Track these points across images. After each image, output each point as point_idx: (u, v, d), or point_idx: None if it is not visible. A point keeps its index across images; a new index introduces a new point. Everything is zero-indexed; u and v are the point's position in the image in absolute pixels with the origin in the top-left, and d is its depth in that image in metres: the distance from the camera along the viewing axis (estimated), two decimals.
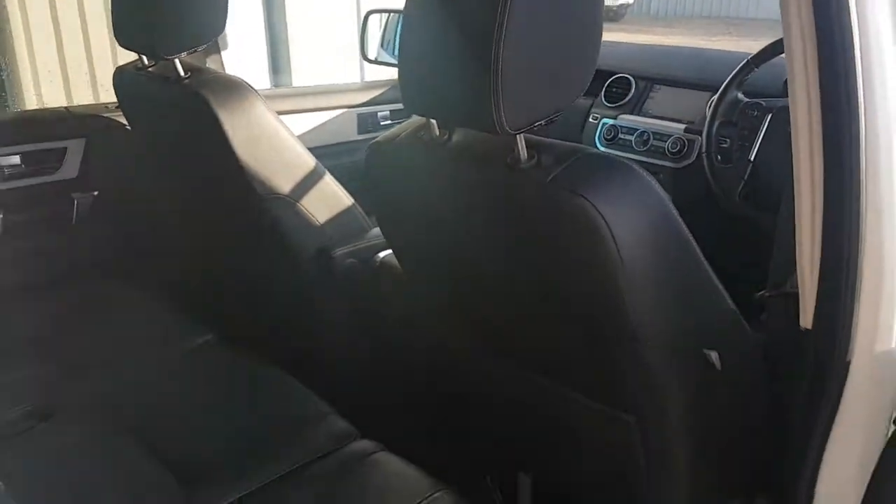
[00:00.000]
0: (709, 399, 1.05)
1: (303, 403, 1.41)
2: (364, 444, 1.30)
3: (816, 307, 0.92)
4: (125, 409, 1.41)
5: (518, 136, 0.92)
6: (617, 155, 1.16)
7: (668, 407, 1.03)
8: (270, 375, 1.50)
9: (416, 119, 1.09)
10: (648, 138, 1.87)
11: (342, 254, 1.62)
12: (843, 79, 0.85)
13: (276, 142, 1.55)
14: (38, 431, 1.36)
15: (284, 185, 1.56)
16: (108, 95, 1.85)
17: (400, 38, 0.99)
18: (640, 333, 0.94)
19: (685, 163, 1.80)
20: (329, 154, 1.80)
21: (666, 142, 1.83)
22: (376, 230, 1.65)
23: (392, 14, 2.50)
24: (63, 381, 1.49)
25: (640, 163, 1.80)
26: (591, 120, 2.01)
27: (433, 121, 1.04)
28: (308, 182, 1.60)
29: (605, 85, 2.00)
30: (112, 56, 2.80)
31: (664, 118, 1.89)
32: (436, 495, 1.17)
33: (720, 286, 1.00)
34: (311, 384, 1.48)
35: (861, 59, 0.84)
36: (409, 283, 1.38)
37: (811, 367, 0.94)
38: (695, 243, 0.96)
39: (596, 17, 0.91)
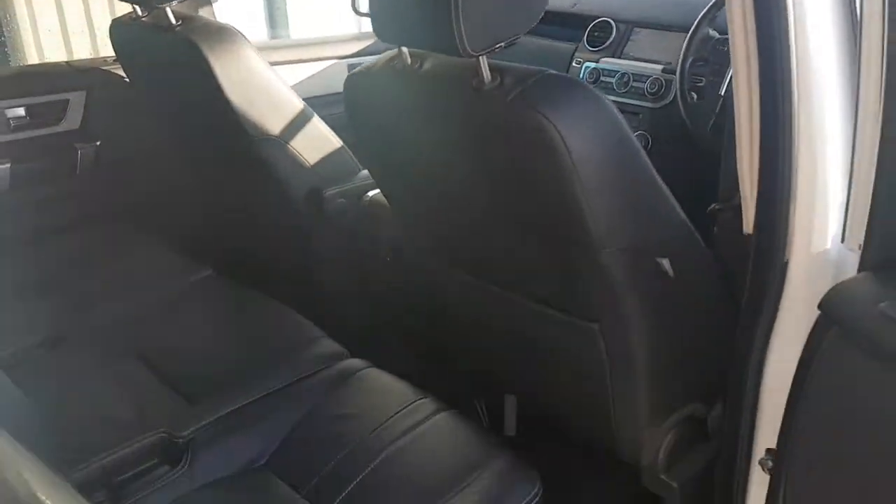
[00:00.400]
0: (664, 306, 1.13)
1: (297, 329, 1.51)
2: (353, 362, 1.40)
3: (756, 213, 0.99)
4: (130, 337, 1.51)
5: (481, 58, 0.99)
6: None
7: (626, 313, 1.11)
8: (266, 305, 1.60)
9: (390, 52, 1.17)
10: (629, 80, 1.92)
11: (332, 194, 1.71)
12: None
13: (266, 85, 1.63)
14: (51, 356, 1.46)
15: (275, 126, 1.64)
16: (107, 51, 1.92)
17: None
18: (596, 239, 1.01)
19: (663, 102, 1.86)
20: (321, 104, 1.87)
21: (645, 83, 1.89)
22: (364, 172, 1.73)
23: None
24: (72, 313, 1.58)
25: (621, 104, 1.89)
26: (574, 64, 2.06)
27: (405, 50, 1.11)
28: (297, 124, 1.67)
29: (588, 29, 2.05)
30: (110, 11, 2.86)
31: (644, 60, 1.94)
32: (419, 402, 1.26)
33: (672, 199, 1.08)
34: (305, 313, 1.57)
35: None
36: (396, 216, 1.46)
37: (753, 269, 1.02)
38: (646, 157, 1.04)
39: None
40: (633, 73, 1.92)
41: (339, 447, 1.20)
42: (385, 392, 1.32)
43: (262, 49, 1.72)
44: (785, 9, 0.90)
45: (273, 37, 2.71)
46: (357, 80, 1.20)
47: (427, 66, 1.11)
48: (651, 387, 1.20)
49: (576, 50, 2.08)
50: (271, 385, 1.34)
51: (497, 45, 0.98)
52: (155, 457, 1.24)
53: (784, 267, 0.99)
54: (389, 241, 1.61)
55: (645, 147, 1.82)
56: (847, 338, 0.81)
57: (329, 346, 1.44)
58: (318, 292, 1.75)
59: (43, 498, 0.56)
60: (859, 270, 0.86)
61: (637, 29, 2.00)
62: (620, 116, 1.02)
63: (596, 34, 2.04)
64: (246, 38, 1.61)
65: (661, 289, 1.10)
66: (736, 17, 0.95)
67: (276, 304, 1.60)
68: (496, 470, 1.14)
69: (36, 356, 1.47)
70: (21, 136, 1.88)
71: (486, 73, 1.00)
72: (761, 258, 1.00)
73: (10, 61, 3.10)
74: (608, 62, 1.99)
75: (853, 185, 0.92)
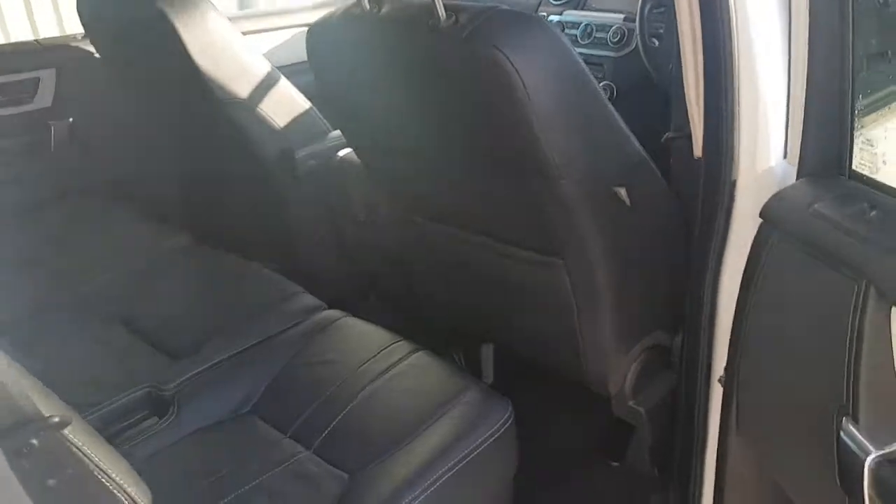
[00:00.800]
0: (624, 236, 1.17)
1: (275, 286, 1.54)
2: (331, 313, 1.44)
3: (704, 138, 1.04)
4: (112, 304, 1.55)
5: None
6: None
7: (587, 245, 1.15)
8: (244, 267, 1.63)
9: (349, 1, 1.19)
10: (592, 31, 1.96)
11: (304, 155, 1.74)
12: None
13: (233, 50, 1.65)
14: (35, 326, 1.49)
15: (243, 90, 1.66)
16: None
17: None
18: (553, 169, 1.05)
19: (626, 50, 1.90)
20: (289, 73, 1.89)
21: (608, 32, 1.92)
22: (335, 132, 1.76)
23: None
24: (53, 285, 1.62)
25: (586, 55, 1.92)
26: None
27: None
28: (266, 88, 1.70)
29: None
30: None
31: (606, 11, 1.98)
32: (395, 345, 1.31)
33: (626, 131, 1.12)
34: (283, 272, 1.61)
35: None
36: (367, 170, 1.49)
37: (704, 189, 1.06)
38: (600, 90, 1.08)
39: None
40: (595, 24, 1.96)
41: (320, 390, 1.25)
42: (362, 338, 1.36)
43: (229, 19, 1.74)
44: None
45: (241, 8, 2.72)
46: (318, 29, 1.23)
47: (385, 9, 1.14)
48: (615, 317, 1.24)
49: (539, 4, 2.11)
50: (252, 338, 1.38)
51: None
52: (143, 410, 1.28)
53: (732, 185, 1.03)
54: (362, 199, 1.65)
55: (610, 97, 1.87)
56: (785, 238, 0.86)
57: (307, 300, 1.48)
58: (294, 253, 1.79)
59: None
60: (797, 180, 0.91)
61: None
62: (573, 48, 1.06)
63: None
64: (213, 5, 1.63)
65: (619, 219, 1.15)
66: None
67: (253, 265, 1.63)
68: (469, 400, 1.18)
69: (20, 327, 1.50)
70: None
71: (442, 12, 1.03)
72: (711, 179, 1.04)
73: None
74: (571, 14, 2.02)
75: (790, 107, 0.97)
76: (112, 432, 1.23)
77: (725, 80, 0.99)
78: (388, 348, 1.31)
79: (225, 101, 1.65)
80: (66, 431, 0.64)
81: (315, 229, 1.78)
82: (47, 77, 1.98)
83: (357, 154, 1.49)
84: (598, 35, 1.95)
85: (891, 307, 0.76)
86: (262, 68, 1.68)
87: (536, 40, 1.02)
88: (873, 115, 1.01)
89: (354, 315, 1.44)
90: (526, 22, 1.03)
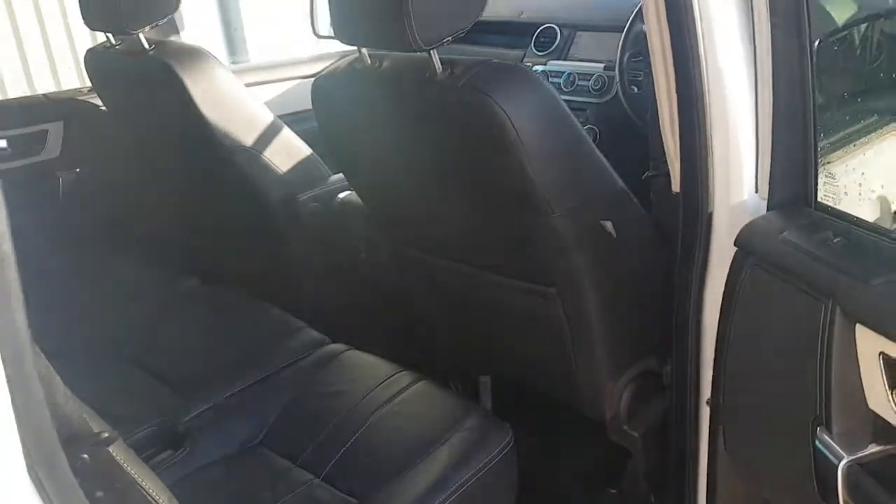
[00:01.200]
0: (611, 265, 1.25)
1: (279, 322, 1.61)
2: (334, 347, 1.51)
3: (681, 174, 1.13)
4: (125, 346, 1.61)
5: (432, 52, 1.12)
6: None
7: (578, 274, 1.24)
8: (250, 305, 1.70)
9: (351, 56, 1.29)
10: (574, 79, 2.08)
11: (306, 198, 1.82)
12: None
13: (236, 99, 1.75)
14: (52, 371, 1.54)
15: (247, 138, 1.75)
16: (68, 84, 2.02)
17: None
18: (543, 203, 1.14)
19: (607, 97, 2.01)
20: (290, 121, 1.98)
21: (589, 80, 2.04)
22: (337, 175, 1.85)
23: None
24: (64, 328, 1.67)
25: (569, 101, 2.03)
26: None
27: (364, 51, 1.24)
28: (268, 135, 1.79)
29: (534, 36, 2.20)
30: (71, 51, 2.96)
31: (587, 60, 2.10)
32: (397, 375, 1.38)
33: (609, 168, 1.21)
34: (288, 309, 1.68)
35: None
36: (368, 210, 1.58)
37: (683, 222, 1.15)
38: (583, 132, 1.17)
39: None
40: (577, 73, 2.08)
41: (327, 419, 1.31)
42: (366, 369, 1.43)
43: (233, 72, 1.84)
44: (691, 6, 1.04)
45: (233, 62, 2.84)
46: (322, 82, 1.33)
47: (385, 64, 1.24)
48: (607, 344, 1.32)
49: (524, 55, 2.23)
50: (260, 373, 1.45)
51: (445, 39, 1.11)
52: (157, 444, 1.33)
53: (709, 217, 1.12)
54: (363, 237, 1.73)
55: (594, 139, 1.97)
56: (759, 265, 0.95)
57: (311, 334, 1.55)
58: (298, 290, 1.86)
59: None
60: (767, 212, 1.00)
61: (579, 32, 2.16)
62: (558, 95, 1.16)
63: (542, 40, 2.20)
64: (216, 58, 1.73)
65: (607, 250, 1.23)
66: (650, 14, 1.09)
67: (259, 303, 1.70)
68: (471, 426, 1.25)
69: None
70: (3, 166, 1.97)
71: (438, 65, 1.13)
72: (689, 212, 1.13)
73: None
74: (555, 64, 2.14)
75: (758, 145, 1.06)
76: None
77: (698, 123, 1.08)
78: (392, 378, 1.37)
79: (230, 149, 1.74)
80: (111, 448, 0.70)
81: (317, 266, 1.86)
82: (55, 129, 2.06)
83: (359, 194, 1.58)
84: (581, 83, 2.06)
85: (855, 325, 0.84)
86: (265, 117, 1.78)
87: (525, 89, 1.12)
88: (837, 153, 1.11)
89: (357, 348, 1.51)
90: (515, 73, 1.13)
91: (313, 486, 1.20)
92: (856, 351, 0.83)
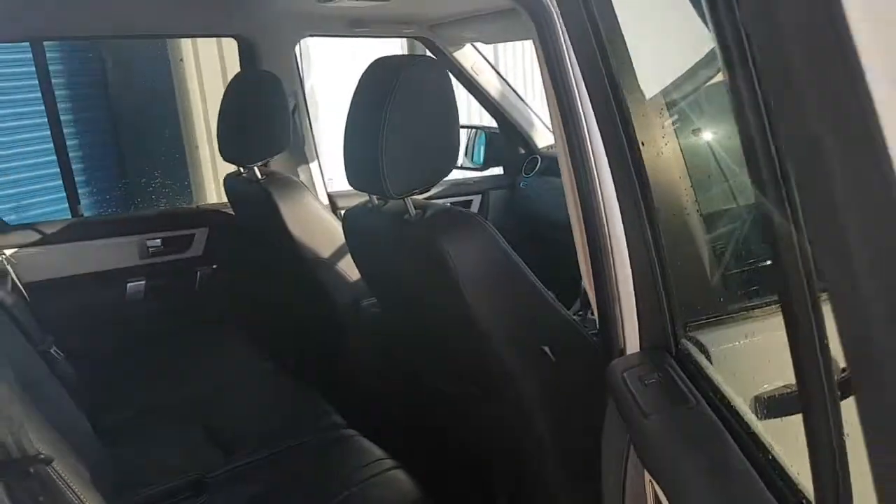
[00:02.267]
0: (554, 383, 1.42)
1: (312, 405, 1.92)
2: (347, 431, 1.78)
3: (598, 312, 1.29)
4: (198, 407, 1.99)
5: (406, 199, 1.41)
6: None
7: (523, 390, 1.42)
8: (301, 393, 2.03)
9: None
10: None
11: (367, 304, 2.16)
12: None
13: (319, 222, 2.15)
14: (136, 423, 1.96)
15: (325, 251, 2.14)
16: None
17: (345, 133, 1.52)
18: (484, 332, 1.36)
19: None
20: None
21: None
22: None
23: (475, 129, 3.16)
24: (162, 391, 2.10)
25: None
26: None
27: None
28: (342, 250, 2.17)
29: None
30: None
31: None
32: (393, 470, 1.61)
33: (549, 298, 1.40)
34: (332, 398, 1.99)
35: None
36: (383, 323, 1.88)
37: (604, 356, 1.30)
38: (526, 270, 1.39)
39: (451, 121, 1.40)
40: None
41: (315, 491, 1.57)
42: (360, 453, 1.68)
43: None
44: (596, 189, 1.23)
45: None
46: (349, 214, 1.66)
47: (387, 205, 1.55)
48: (558, 456, 1.46)
49: None
50: (282, 444, 1.75)
51: (414, 191, 1.40)
52: (188, 492, 1.66)
53: (622, 353, 1.27)
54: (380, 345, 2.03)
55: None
56: (614, 402, 1.10)
57: (333, 419, 1.84)
58: (346, 381, 2.17)
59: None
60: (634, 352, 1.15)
61: None
62: (500, 239, 1.38)
63: None
64: (306, 187, 2.16)
65: (548, 369, 1.41)
66: (568, 191, 1.29)
67: (309, 393, 2.03)
68: None
69: (128, 423, 1.97)
70: (156, 260, 2.53)
71: (412, 209, 1.42)
72: (609, 347, 1.29)
73: (194, 199, 4.11)
74: None
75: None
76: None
77: (607, 280, 1.22)
78: (389, 471, 1.61)
79: (310, 260, 2.13)
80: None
81: (369, 364, 2.16)
82: (200, 234, 2.61)
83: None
84: None
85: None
86: (341, 235, 2.16)
87: (469, 233, 1.36)
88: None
89: (366, 435, 1.77)
90: (463, 218, 1.39)
91: None
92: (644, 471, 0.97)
